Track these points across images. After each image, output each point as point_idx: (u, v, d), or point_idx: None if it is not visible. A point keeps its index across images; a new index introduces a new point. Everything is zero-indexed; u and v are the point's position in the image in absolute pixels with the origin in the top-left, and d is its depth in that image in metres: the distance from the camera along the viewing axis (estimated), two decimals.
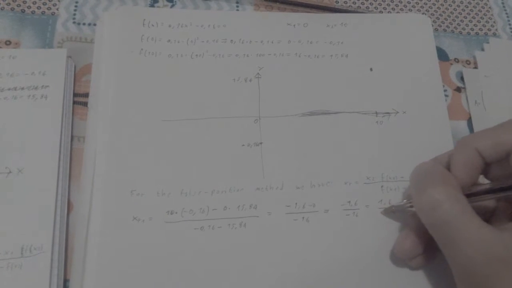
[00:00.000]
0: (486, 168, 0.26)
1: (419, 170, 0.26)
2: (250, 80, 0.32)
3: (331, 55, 0.34)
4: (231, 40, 0.33)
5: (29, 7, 0.34)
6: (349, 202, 0.29)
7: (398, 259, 0.28)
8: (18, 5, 0.34)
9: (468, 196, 0.24)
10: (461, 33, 0.38)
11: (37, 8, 0.34)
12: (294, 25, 0.35)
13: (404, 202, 0.28)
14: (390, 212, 0.29)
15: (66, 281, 0.27)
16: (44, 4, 0.34)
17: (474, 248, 0.22)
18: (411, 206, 0.27)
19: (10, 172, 0.28)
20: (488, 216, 0.26)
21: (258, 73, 0.32)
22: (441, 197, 0.23)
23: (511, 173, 0.24)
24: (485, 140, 0.25)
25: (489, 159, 0.25)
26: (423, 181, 0.25)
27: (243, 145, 0.30)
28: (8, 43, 0.32)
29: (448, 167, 0.26)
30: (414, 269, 0.28)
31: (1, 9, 0.33)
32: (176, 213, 0.28)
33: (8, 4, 0.33)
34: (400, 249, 0.27)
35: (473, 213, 0.23)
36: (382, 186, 0.30)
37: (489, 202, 0.26)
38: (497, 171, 0.26)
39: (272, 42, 0.34)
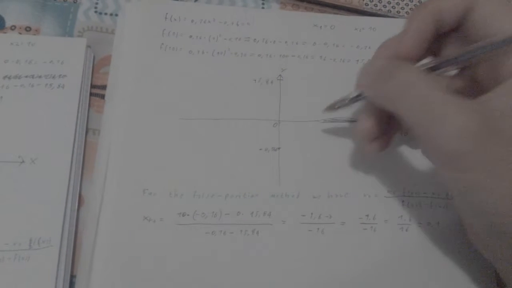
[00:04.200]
0: (436, 48, 0.25)
1: (371, 67, 0.25)
2: (272, 82, 0.31)
3: (357, 60, 0.32)
4: (255, 39, 0.32)
5: None
6: (367, 215, 0.28)
7: (415, 279, 0.27)
8: None
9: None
10: None
11: None
12: (321, 27, 0.33)
13: (347, 95, 0.27)
14: (333, 109, 0.28)
15: (72, 277, 0.26)
16: None
17: (458, 119, 0.20)
18: (356, 97, 0.26)
19: (23, 161, 0.27)
20: None
21: (280, 74, 0.31)
22: (412, 78, 0.22)
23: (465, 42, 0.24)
24: (442, 1, 0.24)
25: (444, 24, 0.24)
26: (383, 70, 0.24)
27: (261, 149, 0.29)
28: (28, 29, 0.32)
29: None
30: (369, 156, 0.28)
31: None
32: (188, 215, 0.27)
33: None
34: (359, 130, 0.26)
35: (446, 89, 0.22)
36: (403, 201, 0.29)
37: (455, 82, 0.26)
38: (449, 49, 0.25)
39: (296, 43, 0.32)
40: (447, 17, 0.24)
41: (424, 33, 0.24)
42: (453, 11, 0.24)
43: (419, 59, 0.25)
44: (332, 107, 0.28)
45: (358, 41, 0.33)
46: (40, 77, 0.30)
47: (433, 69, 0.24)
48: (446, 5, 0.24)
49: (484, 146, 0.20)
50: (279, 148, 0.29)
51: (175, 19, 0.32)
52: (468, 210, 0.23)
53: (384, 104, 0.24)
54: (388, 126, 0.27)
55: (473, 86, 0.25)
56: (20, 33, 0.32)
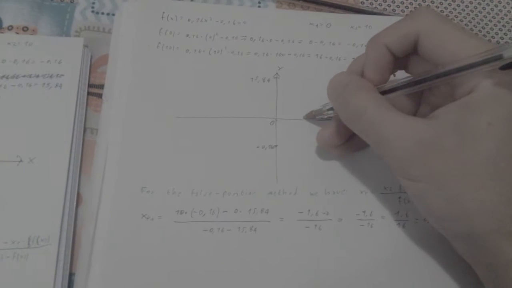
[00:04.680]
0: (404, 64, 0.26)
1: (336, 83, 0.26)
2: (268, 80, 0.31)
3: (353, 58, 0.33)
4: (251, 38, 0.32)
5: None
6: (364, 212, 0.29)
7: (411, 275, 0.27)
8: None
9: (382, 94, 0.25)
10: (490, 41, 0.37)
11: None
12: (317, 25, 0.33)
13: (323, 106, 0.29)
14: (312, 117, 0.30)
15: (71, 275, 0.27)
16: None
17: (404, 136, 0.22)
18: (329, 110, 0.28)
19: (21, 161, 0.28)
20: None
21: (277, 73, 0.32)
22: (364, 103, 0.24)
23: (426, 66, 0.24)
24: (392, 34, 0.25)
25: (398, 53, 0.25)
26: (343, 93, 0.25)
27: (258, 147, 0.29)
28: (25, 29, 0.32)
29: (363, 73, 0.26)
30: (336, 158, 0.29)
31: None
32: (186, 213, 0.27)
33: None
34: (320, 137, 0.29)
35: (396, 109, 0.23)
36: (399, 197, 0.29)
37: (409, 103, 0.27)
38: (415, 67, 0.26)
39: (293, 42, 0.33)
40: (399, 47, 0.25)
41: (381, 62, 0.25)
42: (403, 41, 0.24)
43: (386, 80, 0.26)
44: (311, 116, 0.30)
45: (354, 39, 0.33)
46: (37, 76, 0.30)
47: (392, 90, 0.25)
48: (395, 37, 0.24)
49: (427, 163, 0.22)
50: (276, 146, 0.30)
51: (171, 18, 0.32)
52: (424, 214, 0.24)
53: (344, 122, 0.26)
54: (353, 137, 0.28)
55: (431, 104, 0.26)
56: (17, 33, 0.32)
